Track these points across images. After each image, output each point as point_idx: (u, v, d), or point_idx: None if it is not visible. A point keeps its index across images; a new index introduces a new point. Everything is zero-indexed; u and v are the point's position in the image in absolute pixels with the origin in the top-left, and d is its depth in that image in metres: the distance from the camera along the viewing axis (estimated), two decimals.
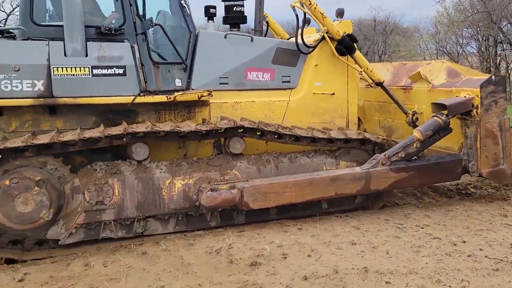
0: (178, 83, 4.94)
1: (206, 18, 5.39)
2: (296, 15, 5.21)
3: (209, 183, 4.51)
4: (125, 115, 4.76)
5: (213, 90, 5.07)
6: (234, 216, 4.73)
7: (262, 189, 4.44)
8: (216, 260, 3.85)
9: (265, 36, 6.05)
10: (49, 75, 4.18)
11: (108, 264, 3.86)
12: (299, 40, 5.23)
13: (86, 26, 4.40)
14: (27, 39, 4.23)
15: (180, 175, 4.49)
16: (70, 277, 3.63)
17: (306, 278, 3.47)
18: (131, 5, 4.59)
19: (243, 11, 5.54)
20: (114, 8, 4.56)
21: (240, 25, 5.59)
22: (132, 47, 4.50)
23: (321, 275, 3.52)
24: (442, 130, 4.94)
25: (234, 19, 5.51)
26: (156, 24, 4.66)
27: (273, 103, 5.35)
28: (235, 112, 5.21)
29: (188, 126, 4.56)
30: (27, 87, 4.12)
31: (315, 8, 5.15)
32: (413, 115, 5.56)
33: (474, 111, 4.94)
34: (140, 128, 4.32)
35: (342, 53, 5.38)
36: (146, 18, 4.73)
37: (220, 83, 5.13)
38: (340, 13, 5.50)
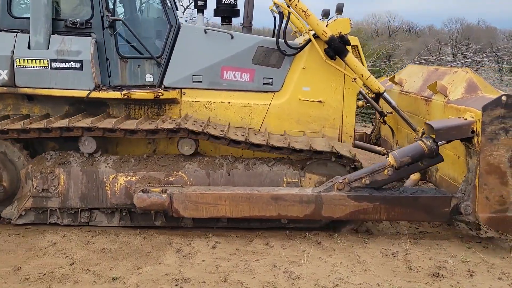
0: (149, 78, 4.87)
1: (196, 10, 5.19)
2: (279, 12, 4.69)
3: (149, 183, 4.40)
4: (96, 106, 4.89)
5: (184, 88, 4.92)
6: (181, 219, 4.54)
7: (193, 198, 4.16)
8: (393, 264, 3.81)
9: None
10: (12, 65, 4.49)
11: (286, 247, 4.08)
12: (281, 40, 4.69)
13: (56, 20, 4.60)
14: (0, 31, 4.60)
15: (124, 172, 4.46)
16: (254, 253, 3.97)
17: None
18: None
19: (235, 3, 5.18)
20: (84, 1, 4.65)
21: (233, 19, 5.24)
22: (94, 42, 4.56)
23: None
24: (426, 158, 3.99)
25: (224, 12, 5.19)
26: (115, 20, 4.62)
27: (251, 106, 4.95)
28: (209, 112, 4.96)
29: (123, 124, 4.46)
30: None
31: (296, 5, 4.54)
32: (423, 133, 4.60)
33: (476, 139, 3.86)
34: (81, 123, 4.38)
35: (331, 56, 4.67)
36: (114, 12, 4.72)
37: (194, 81, 4.91)
38: (339, 9, 4.76)
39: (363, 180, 4.04)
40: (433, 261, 3.84)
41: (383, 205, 4.05)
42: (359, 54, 4.98)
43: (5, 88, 4.55)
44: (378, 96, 4.79)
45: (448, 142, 4.05)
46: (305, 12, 4.56)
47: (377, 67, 13.43)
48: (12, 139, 4.52)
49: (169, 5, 4.89)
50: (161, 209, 4.25)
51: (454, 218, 4.10)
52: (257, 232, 4.40)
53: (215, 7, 5.23)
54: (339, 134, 5.00)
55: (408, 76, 6.05)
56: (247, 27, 5.13)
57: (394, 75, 6.24)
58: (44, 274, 3.59)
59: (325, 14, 5.15)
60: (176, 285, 3.45)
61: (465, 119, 3.92)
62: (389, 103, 4.84)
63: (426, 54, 17.61)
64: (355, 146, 6.24)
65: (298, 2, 4.55)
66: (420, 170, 4.23)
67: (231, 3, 5.15)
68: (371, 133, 6.85)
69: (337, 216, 4.13)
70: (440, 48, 24.29)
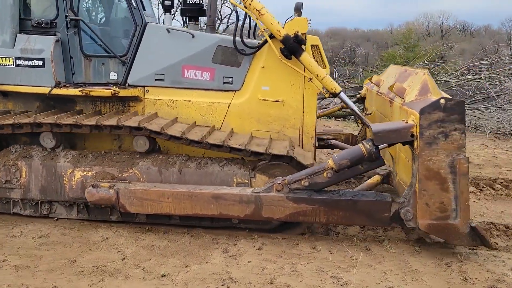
0: (114, 76, 5.02)
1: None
2: (236, 11, 4.69)
3: (103, 178, 4.54)
4: (63, 103, 5.09)
5: (147, 86, 5.04)
6: (135, 215, 4.66)
7: (138, 194, 4.27)
8: (447, 274, 3.71)
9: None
10: None
11: (333, 252, 4.07)
12: (238, 39, 4.71)
13: (24, 19, 4.82)
14: None
15: (81, 167, 4.63)
16: (300, 256, 3.98)
17: None
18: None
19: (201, 3, 5.22)
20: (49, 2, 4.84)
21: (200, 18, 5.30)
22: (57, 41, 4.74)
23: None
24: (366, 161, 3.91)
25: (190, 12, 5.25)
26: (76, 19, 4.78)
27: (211, 105, 4.99)
28: (171, 110, 5.05)
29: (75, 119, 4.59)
30: None
31: (250, 4, 4.54)
32: (363, 137, 4.53)
33: (416, 143, 3.75)
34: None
35: (286, 56, 4.64)
36: (78, 13, 4.87)
37: (156, 80, 5.01)
38: (297, 9, 4.71)
39: (302, 182, 4.01)
40: (491, 274, 3.69)
41: (322, 208, 4.00)
42: (320, 54, 4.90)
43: None
44: (334, 96, 4.70)
45: (389, 145, 3.94)
46: (259, 11, 4.55)
47: (429, 68, 13.02)
48: None
49: (135, 5, 5.00)
50: (109, 204, 4.39)
51: (395, 223, 3.97)
52: (303, 236, 4.42)
53: (182, 7, 5.30)
54: (299, 134, 4.96)
55: (386, 76, 5.91)
56: (210, 26, 5.15)
57: (373, 76, 6.12)
58: (97, 268, 3.75)
59: (297, 8, 5.07)
60: (222, 285, 3.50)
61: (406, 122, 3.81)
62: (346, 104, 4.76)
63: (482, 55, 16.94)
64: (338, 147, 6.20)
65: (252, 1, 4.54)
66: (361, 173, 4.14)
67: (196, 2, 5.20)
68: (358, 134, 6.74)
69: (277, 217, 4.12)
70: (498, 49, 23.28)
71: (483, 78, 11.70)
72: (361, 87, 13.19)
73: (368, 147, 3.84)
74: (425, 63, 13.30)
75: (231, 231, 4.48)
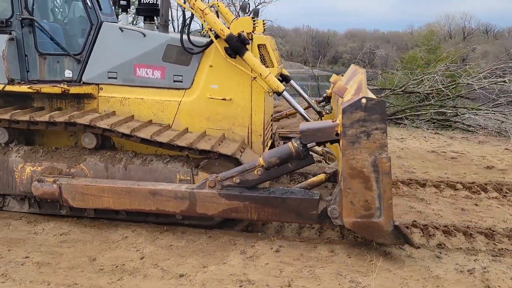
0: (68, 74, 5.15)
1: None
2: (183, 11, 4.79)
3: (50, 173, 4.69)
4: (22, 100, 5.24)
5: (101, 84, 5.16)
6: (83, 210, 4.79)
7: (79, 189, 4.40)
8: (469, 281, 3.64)
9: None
10: None
11: (352, 255, 4.01)
12: (185, 38, 4.80)
13: None
14: None
15: (31, 162, 4.78)
16: (318, 259, 3.95)
17: None
18: None
19: (155, 3, 5.33)
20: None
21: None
22: (10, 39, 4.89)
23: None
24: (295, 159, 3.97)
25: (144, 11, 5.37)
26: (27, 19, 4.92)
27: (162, 103, 5.10)
28: (123, 108, 5.17)
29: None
30: None
31: (194, 4, 4.63)
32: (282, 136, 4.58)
33: (341, 142, 3.80)
34: None
35: (230, 54, 4.72)
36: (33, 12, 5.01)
37: (109, 77, 5.13)
38: (243, 8, 4.79)
39: (234, 179, 4.09)
40: None
41: (253, 205, 4.08)
42: (268, 53, 4.97)
43: None
44: (278, 95, 4.77)
45: (318, 144, 3.99)
46: (202, 11, 4.64)
47: (451, 71, 12.91)
48: None
49: (90, 4, 5.12)
50: (53, 198, 4.53)
51: (323, 221, 4.03)
52: (321, 239, 4.41)
53: (137, 7, 5.41)
54: (248, 133, 5.04)
55: (345, 76, 5.95)
56: (163, 25, 5.25)
57: (332, 75, 6.17)
58: (117, 266, 3.81)
59: (243, 8, 5.18)
60: (240, 286, 3.52)
61: (333, 121, 3.86)
62: (289, 102, 4.81)
63: (506, 58, 16.68)
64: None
65: (195, 1, 4.64)
66: (291, 171, 4.19)
67: (151, 2, 5.30)
68: None
69: (211, 213, 4.21)
70: None
71: (507, 81, 11.51)
72: (381, 90, 13.18)
73: (296, 145, 3.91)
74: (446, 66, 13.08)
75: (248, 233, 4.49)
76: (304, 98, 6.24)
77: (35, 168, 4.76)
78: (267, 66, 4.98)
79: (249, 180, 4.08)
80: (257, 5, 20.00)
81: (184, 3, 4.71)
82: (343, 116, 3.69)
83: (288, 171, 4.12)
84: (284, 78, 6.16)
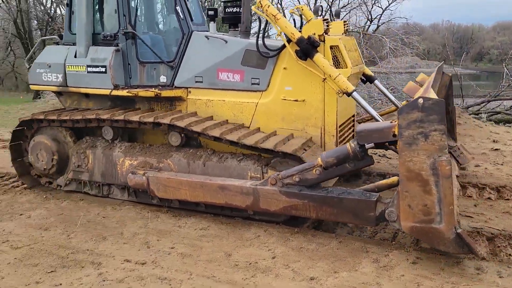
0: (163, 79, 5.80)
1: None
2: (259, 18, 5.06)
3: (142, 167, 5.35)
4: (129, 102, 6.02)
5: (189, 88, 5.71)
6: (170, 200, 5.35)
7: (162, 181, 4.94)
8: None
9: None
10: (64, 70, 5.94)
11: (504, 275, 3.65)
12: (260, 42, 5.08)
13: (95, 34, 5.90)
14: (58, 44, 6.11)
15: (129, 156, 5.51)
16: (462, 276, 3.64)
17: None
18: (124, 15, 5.71)
19: (239, 11, 5.69)
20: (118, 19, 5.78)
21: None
22: (116, 51, 5.70)
23: None
24: (352, 160, 3.96)
25: (229, 19, 5.77)
26: (127, 32, 5.64)
27: (241, 104, 5.44)
28: (208, 109, 5.64)
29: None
30: (54, 78, 6.03)
31: (266, 10, 4.86)
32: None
33: (398, 143, 3.69)
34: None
35: (300, 57, 4.85)
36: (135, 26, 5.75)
37: (196, 82, 5.65)
38: (315, 11, 4.89)
39: (293, 177, 4.21)
40: None
41: (311, 203, 4.16)
42: (341, 54, 4.96)
43: (61, 87, 6.04)
44: (348, 95, 4.74)
45: (376, 145, 3.91)
46: (274, 16, 4.85)
47: None
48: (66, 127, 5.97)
49: (182, 16, 5.70)
50: (143, 188, 5.15)
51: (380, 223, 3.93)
52: (467, 255, 3.89)
53: (223, 16, 5.85)
54: (321, 133, 5.11)
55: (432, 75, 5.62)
56: (244, 32, 5.58)
57: (420, 74, 5.87)
58: (250, 263, 3.94)
59: (315, 11, 5.27)
60: None
61: (391, 122, 3.76)
62: (359, 103, 4.75)
63: None
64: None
65: (268, 7, 4.87)
66: (350, 171, 4.14)
67: (234, 11, 5.68)
68: None
69: (273, 209, 4.39)
70: None
71: None
72: None
73: (353, 146, 3.89)
74: None
75: (380, 240, 4.42)
76: (389, 98, 6.04)
77: (132, 162, 5.46)
78: (340, 67, 5.00)
79: (308, 179, 4.17)
80: (390, 3, 19.31)
81: (259, 10, 4.97)
82: (399, 117, 3.59)
83: (346, 171, 4.11)
84: (368, 79, 6.06)
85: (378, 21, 19.54)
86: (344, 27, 5.69)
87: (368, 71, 6.07)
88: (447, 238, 3.58)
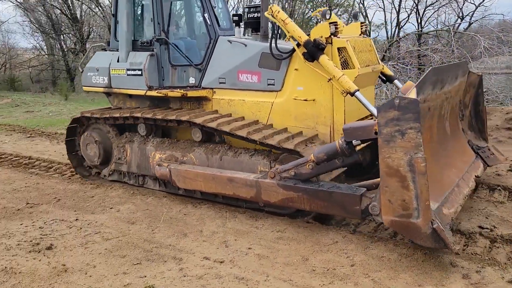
0: (192, 80, 6.36)
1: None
2: (272, 23, 5.41)
3: (169, 160, 5.94)
4: (164, 102, 6.67)
5: (214, 88, 6.21)
6: (193, 191, 5.89)
7: (182, 173, 5.48)
8: None
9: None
10: (109, 73, 6.71)
11: None
12: (273, 45, 5.43)
13: (134, 41, 6.61)
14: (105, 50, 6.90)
15: (159, 150, 6.13)
16: None
17: None
18: (159, 23, 6.34)
19: (258, 16, 6.07)
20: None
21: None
22: (151, 55, 6.34)
23: None
24: (341, 156, 4.19)
25: (251, 24, 6.17)
26: (160, 38, 6.23)
27: (259, 103, 5.83)
28: (229, 108, 6.10)
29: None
30: (101, 80, 6.83)
31: (276, 15, 5.20)
32: None
33: (378, 140, 3.87)
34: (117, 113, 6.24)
35: (307, 59, 5.12)
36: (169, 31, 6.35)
37: (220, 83, 6.12)
38: (354, 16, 5.15)
39: (290, 172, 4.52)
40: None
41: (305, 196, 4.44)
42: (349, 55, 5.14)
43: (107, 89, 6.83)
44: (351, 95, 4.92)
45: (363, 142, 4.10)
46: (283, 20, 5.17)
47: None
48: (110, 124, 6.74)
49: (209, 22, 6.21)
50: (167, 179, 5.73)
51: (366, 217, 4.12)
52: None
53: (245, 21, 6.26)
54: (330, 131, 5.34)
55: None
56: (263, 36, 5.93)
57: None
58: (328, 270, 3.83)
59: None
60: None
61: (374, 120, 3.94)
62: (362, 103, 4.90)
63: None
64: None
65: (278, 13, 5.20)
66: (339, 167, 4.34)
67: (255, 16, 6.08)
68: None
69: (273, 201, 4.72)
70: None
71: None
72: None
73: (341, 143, 4.12)
74: None
75: (471, 254, 4.09)
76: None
77: (161, 155, 6.07)
78: (349, 68, 5.19)
79: (302, 173, 4.46)
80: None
81: (271, 15, 5.32)
82: (378, 115, 3.77)
83: (337, 166, 4.33)
84: (387, 78, 6.14)
85: (470, 19, 18.57)
86: (361, 29, 5.84)
87: (388, 70, 6.15)
88: (424, 232, 3.70)
